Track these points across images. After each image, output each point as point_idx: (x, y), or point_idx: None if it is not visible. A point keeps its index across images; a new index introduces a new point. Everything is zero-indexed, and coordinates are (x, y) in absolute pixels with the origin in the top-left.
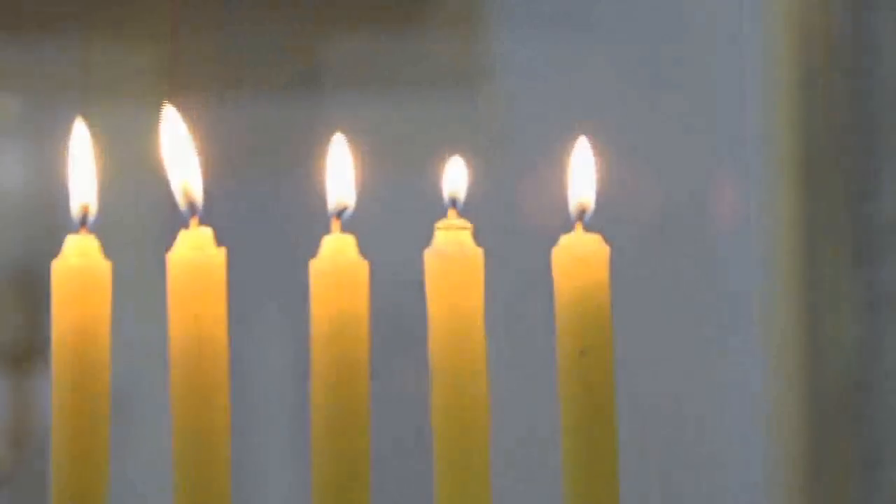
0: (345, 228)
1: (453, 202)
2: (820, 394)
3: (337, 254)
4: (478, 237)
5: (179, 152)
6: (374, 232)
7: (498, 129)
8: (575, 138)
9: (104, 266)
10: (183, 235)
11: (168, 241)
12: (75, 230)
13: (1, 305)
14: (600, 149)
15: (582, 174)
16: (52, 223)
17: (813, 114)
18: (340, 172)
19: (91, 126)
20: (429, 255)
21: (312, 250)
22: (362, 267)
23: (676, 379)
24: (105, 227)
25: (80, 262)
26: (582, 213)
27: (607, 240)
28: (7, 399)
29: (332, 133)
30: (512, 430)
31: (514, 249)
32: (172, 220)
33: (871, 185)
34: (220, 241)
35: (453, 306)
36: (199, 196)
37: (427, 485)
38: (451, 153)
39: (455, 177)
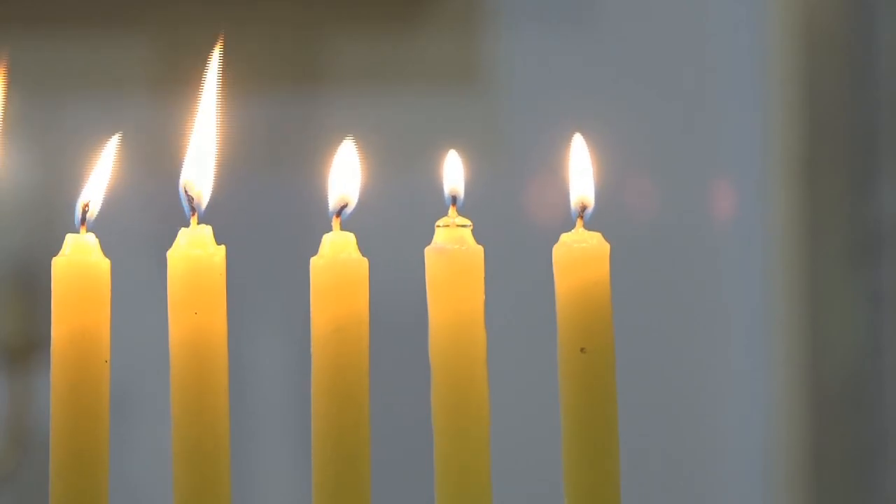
0: (345, 226)
1: (453, 200)
2: (820, 393)
3: (337, 251)
4: (478, 235)
5: (201, 147)
6: (375, 230)
7: (498, 128)
8: (573, 136)
9: (104, 264)
10: (183, 233)
11: (168, 239)
12: (75, 228)
13: (1, 303)
14: (600, 147)
15: (582, 172)
16: (53, 221)
17: (813, 114)
18: (341, 171)
19: (90, 125)
20: (429, 252)
21: (313, 248)
22: (362, 265)
23: (677, 377)
24: (105, 225)
25: (79, 259)
26: (582, 210)
27: (608, 238)
28: (7, 397)
29: (332, 132)
30: (512, 429)
31: (514, 247)
32: (172, 217)
33: (871, 185)
34: (219, 238)
35: (454, 304)
36: (202, 194)
37: (427, 484)
38: (452, 151)
39: (455, 174)
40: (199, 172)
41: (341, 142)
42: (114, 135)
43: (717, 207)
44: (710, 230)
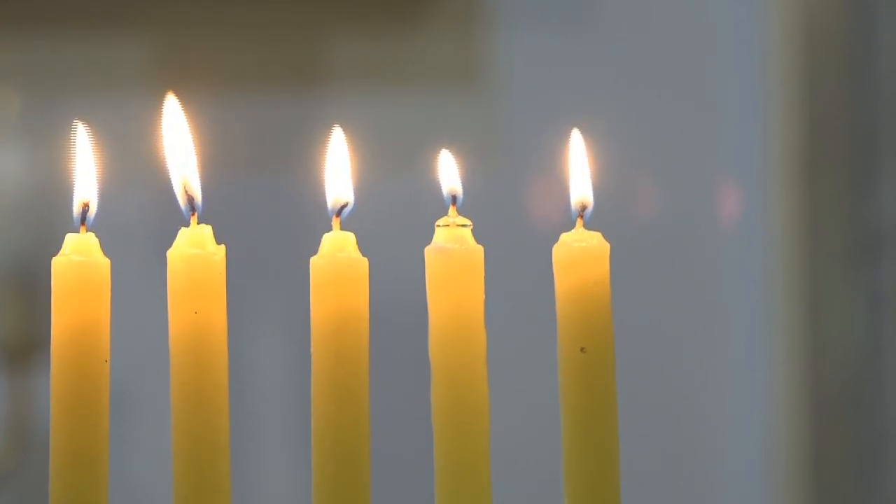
0: (345, 226)
1: (453, 199)
2: (820, 393)
3: (337, 251)
4: (478, 235)
5: (180, 148)
6: (375, 229)
7: (498, 128)
8: (575, 137)
9: (103, 263)
10: (182, 233)
11: (168, 239)
12: (75, 228)
13: (1, 302)
14: (600, 147)
15: (582, 172)
16: (53, 221)
17: (813, 114)
18: (341, 170)
19: (90, 124)
20: (429, 252)
21: (313, 248)
22: (362, 264)
23: (677, 377)
24: (105, 225)
25: (79, 259)
26: (582, 210)
27: (608, 238)
28: (7, 397)
29: (332, 131)
30: (512, 429)
31: (514, 246)
32: (172, 217)
33: (871, 185)
34: (219, 238)
35: (454, 303)
36: (198, 193)
37: (427, 483)
38: (452, 151)
39: (455, 174)
40: (188, 172)
41: (334, 136)
42: (79, 126)
43: (717, 207)
44: (709, 230)
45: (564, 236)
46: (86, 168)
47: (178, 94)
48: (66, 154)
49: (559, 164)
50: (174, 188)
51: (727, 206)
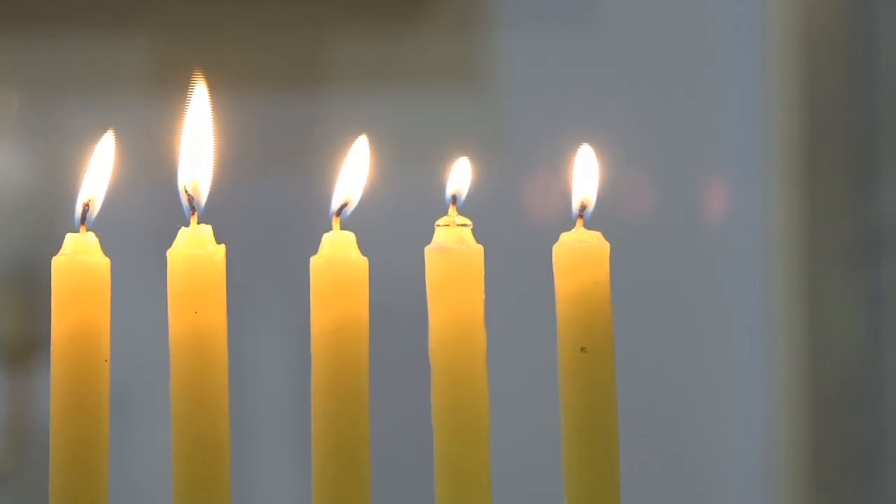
0: (345, 226)
1: (454, 199)
2: (820, 393)
3: (337, 251)
4: (478, 234)
5: (196, 145)
6: (375, 230)
7: (498, 127)
8: (575, 137)
9: (104, 263)
10: (182, 233)
11: (168, 239)
12: (75, 228)
13: (1, 302)
14: (600, 147)
15: (583, 172)
16: (53, 221)
17: (813, 114)
18: (352, 169)
19: (89, 124)
20: (429, 251)
21: (313, 248)
22: (362, 264)
23: (677, 378)
24: (105, 225)
25: (79, 258)
26: (582, 210)
27: (608, 238)
28: (7, 397)
29: (332, 132)
30: (512, 429)
31: (514, 246)
32: (172, 217)
33: (871, 185)
34: (219, 238)
35: (454, 303)
36: (202, 193)
37: (427, 484)
38: (452, 151)
39: (455, 174)
40: (197, 171)
41: (345, 140)
42: (109, 133)
43: (717, 207)
44: (710, 230)
45: (564, 236)
46: (94, 169)
47: (175, 97)
48: (67, 154)
49: (559, 164)
50: (179, 185)
51: (726, 206)
